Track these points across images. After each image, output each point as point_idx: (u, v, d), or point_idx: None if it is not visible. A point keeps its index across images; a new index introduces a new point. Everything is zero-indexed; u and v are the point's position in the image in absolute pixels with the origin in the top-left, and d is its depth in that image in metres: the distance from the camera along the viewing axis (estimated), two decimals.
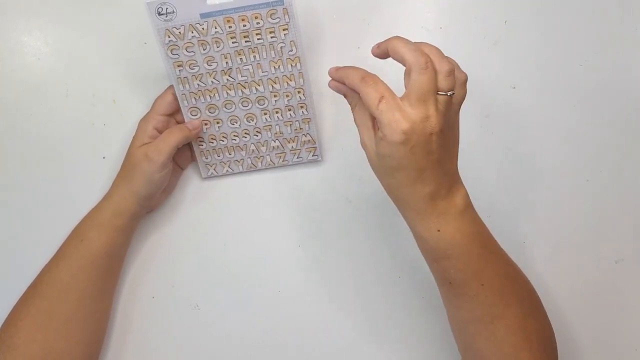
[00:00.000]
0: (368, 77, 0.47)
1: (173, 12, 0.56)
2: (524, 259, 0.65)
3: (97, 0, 0.65)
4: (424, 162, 0.46)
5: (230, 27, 0.58)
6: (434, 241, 0.49)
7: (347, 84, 0.49)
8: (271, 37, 0.59)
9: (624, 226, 0.65)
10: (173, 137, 0.58)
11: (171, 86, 0.61)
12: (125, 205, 0.59)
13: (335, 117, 0.65)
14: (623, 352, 0.64)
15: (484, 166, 0.65)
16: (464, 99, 0.48)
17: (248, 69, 0.60)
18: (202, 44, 0.58)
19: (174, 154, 0.59)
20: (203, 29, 0.58)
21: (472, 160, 0.65)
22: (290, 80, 0.61)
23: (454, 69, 0.46)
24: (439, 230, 0.48)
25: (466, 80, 0.48)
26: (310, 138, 0.64)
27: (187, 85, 0.60)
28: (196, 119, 0.62)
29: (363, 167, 0.65)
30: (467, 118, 0.65)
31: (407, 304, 0.65)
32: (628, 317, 0.64)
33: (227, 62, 0.60)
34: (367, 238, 0.65)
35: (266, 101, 0.62)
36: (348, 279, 0.65)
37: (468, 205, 0.50)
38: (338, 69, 0.50)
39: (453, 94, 0.46)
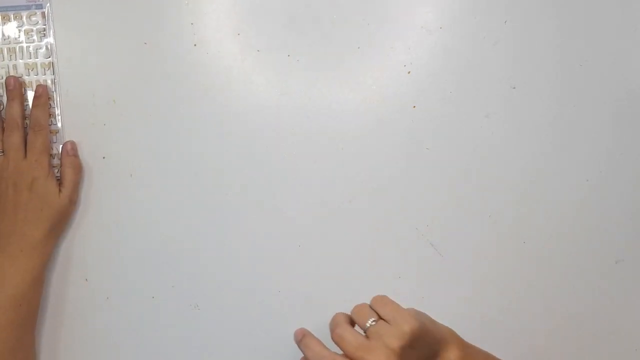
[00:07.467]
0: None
1: None
2: (524, 259, 0.65)
3: (97, 0, 0.65)
4: None
5: None
6: None
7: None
8: (28, 40, 0.60)
9: (624, 226, 0.65)
10: None
11: None
12: (23, 286, 0.57)
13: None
14: (623, 352, 0.64)
15: (484, 166, 0.65)
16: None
17: (4, 68, 0.61)
18: None
19: None
20: None
21: (472, 160, 0.65)
22: None
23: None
24: None
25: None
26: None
27: None
28: None
29: (362, 171, 0.66)
30: (467, 118, 0.65)
31: (407, 304, 0.65)
32: (628, 317, 0.64)
33: None
34: (366, 237, 0.65)
35: None
36: (348, 279, 0.65)
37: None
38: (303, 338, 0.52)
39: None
